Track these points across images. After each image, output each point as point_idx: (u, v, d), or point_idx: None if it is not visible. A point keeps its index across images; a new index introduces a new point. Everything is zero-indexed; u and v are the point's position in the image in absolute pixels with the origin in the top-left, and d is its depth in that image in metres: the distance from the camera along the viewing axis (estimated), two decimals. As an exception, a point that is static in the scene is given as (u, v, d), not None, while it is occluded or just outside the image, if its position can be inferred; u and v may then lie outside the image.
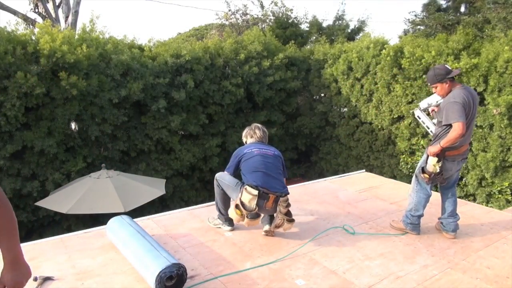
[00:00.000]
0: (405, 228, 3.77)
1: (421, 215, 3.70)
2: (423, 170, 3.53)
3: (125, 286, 2.84)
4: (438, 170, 3.41)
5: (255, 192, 3.33)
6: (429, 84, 3.53)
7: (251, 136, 3.87)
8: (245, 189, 3.38)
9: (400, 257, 3.29)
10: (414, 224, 3.72)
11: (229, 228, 3.83)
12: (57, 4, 12.95)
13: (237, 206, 3.43)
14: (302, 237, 3.67)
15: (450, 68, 3.43)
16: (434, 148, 3.40)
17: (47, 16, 12.41)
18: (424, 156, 3.58)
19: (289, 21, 13.38)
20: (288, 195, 3.54)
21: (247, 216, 3.42)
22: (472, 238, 3.67)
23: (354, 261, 3.22)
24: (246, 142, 3.92)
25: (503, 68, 6.14)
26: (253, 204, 3.34)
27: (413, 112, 6.43)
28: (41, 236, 5.73)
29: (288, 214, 3.54)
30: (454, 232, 3.65)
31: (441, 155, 3.40)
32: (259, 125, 3.96)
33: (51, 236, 3.73)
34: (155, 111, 7.31)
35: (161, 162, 7.80)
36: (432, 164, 3.42)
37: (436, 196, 3.92)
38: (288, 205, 3.54)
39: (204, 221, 4.04)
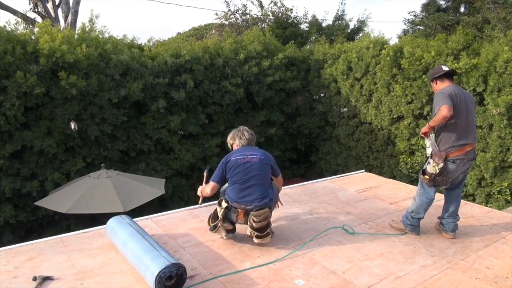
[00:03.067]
0: (404, 229, 3.77)
1: (421, 218, 3.71)
2: (423, 172, 3.55)
3: (124, 286, 2.84)
4: (437, 171, 3.41)
5: (225, 205, 3.39)
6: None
7: (239, 137, 3.65)
8: (221, 200, 3.46)
9: (399, 257, 3.29)
10: (413, 226, 3.72)
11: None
12: (56, 3, 12.92)
13: (209, 218, 3.57)
14: (301, 237, 3.67)
15: (446, 68, 3.51)
16: (424, 127, 3.49)
17: (46, 15, 12.37)
18: (429, 160, 3.59)
19: (289, 21, 13.41)
20: (265, 210, 3.32)
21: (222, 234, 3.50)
22: (471, 238, 3.67)
23: (354, 261, 3.22)
24: (232, 145, 3.73)
25: (502, 68, 6.14)
26: (223, 217, 3.41)
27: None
28: (40, 236, 5.72)
29: (259, 230, 3.32)
30: (454, 232, 3.65)
31: (441, 156, 3.40)
32: (246, 127, 3.79)
33: (50, 236, 3.73)
34: (155, 111, 7.30)
35: (161, 162, 7.79)
36: (432, 166, 3.44)
37: (436, 196, 3.92)
38: (262, 220, 3.30)
39: (204, 221, 4.04)
